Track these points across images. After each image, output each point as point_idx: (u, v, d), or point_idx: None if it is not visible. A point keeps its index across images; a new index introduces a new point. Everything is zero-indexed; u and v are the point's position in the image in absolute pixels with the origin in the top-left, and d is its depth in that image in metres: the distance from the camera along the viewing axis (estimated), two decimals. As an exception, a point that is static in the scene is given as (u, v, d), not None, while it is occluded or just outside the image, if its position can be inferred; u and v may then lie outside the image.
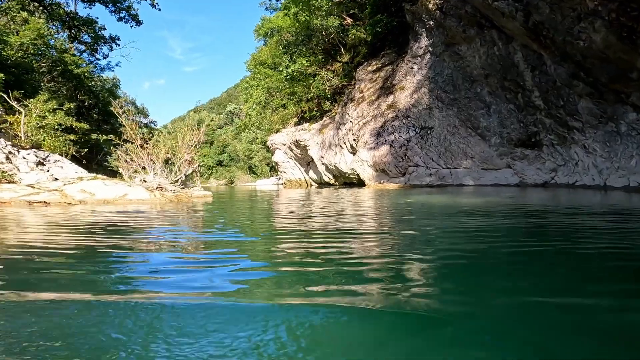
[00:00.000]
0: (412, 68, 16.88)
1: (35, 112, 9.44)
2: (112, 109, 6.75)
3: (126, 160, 6.71)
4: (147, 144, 6.72)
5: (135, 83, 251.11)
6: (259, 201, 7.21)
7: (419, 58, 16.58)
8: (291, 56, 23.07)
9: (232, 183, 58.70)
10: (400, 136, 14.51)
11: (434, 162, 13.05)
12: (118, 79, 64.74)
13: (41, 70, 16.04)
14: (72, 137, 10.11)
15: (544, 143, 11.31)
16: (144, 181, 6.23)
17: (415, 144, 13.93)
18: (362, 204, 5.38)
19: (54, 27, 25.80)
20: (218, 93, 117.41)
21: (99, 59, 30.44)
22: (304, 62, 21.64)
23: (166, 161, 7.48)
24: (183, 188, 6.84)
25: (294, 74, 21.82)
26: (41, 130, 8.88)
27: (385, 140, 14.83)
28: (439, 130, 14.02)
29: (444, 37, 15.06)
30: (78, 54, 28.17)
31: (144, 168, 7.14)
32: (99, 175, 6.03)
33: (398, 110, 15.72)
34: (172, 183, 6.60)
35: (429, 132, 14.19)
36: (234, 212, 4.70)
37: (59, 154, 8.61)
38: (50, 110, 10.60)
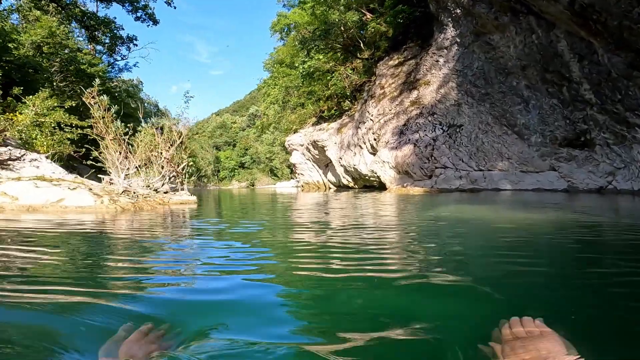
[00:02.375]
0: (437, 61, 15.55)
1: (33, 110, 8.75)
2: (84, 98, 5.88)
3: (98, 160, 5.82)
4: (123, 140, 5.78)
5: (163, 87, 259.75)
6: (260, 207, 6.18)
7: (445, 50, 15.26)
8: (308, 52, 22.04)
9: (252, 185, 58.47)
10: (426, 135, 13.19)
11: (465, 164, 11.66)
12: (141, 81, 65.80)
13: (53, 69, 15.65)
14: (68, 135, 9.41)
15: (596, 142, 9.75)
16: (110, 183, 5.31)
17: (442, 143, 12.57)
18: (381, 217, 4.22)
19: (76, 30, 25.91)
20: (241, 96, 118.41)
21: (117, 60, 30.55)
22: (321, 57, 20.55)
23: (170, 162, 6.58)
24: (166, 192, 5.87)
25: (311, 70, 20.75)
26: (37, 128, 8.16)
27: (409, 140, 13.53)
28: (469, 128, 12.62)
29: (473, 26, 13.71)
30: (98, 55, 28.24)
31: (139, 167, 6.25)
32: (46, 175, 5.14)
33: (423, 107, 14.41)
34: (147, 186, 5.63)
35: (457, 130, 12.81)
36: (195, 231, 3.37)
37: (53, 154, 7.86)
38: (50, 108, 9.97)
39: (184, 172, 6.35)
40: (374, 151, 16.15)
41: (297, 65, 22.63)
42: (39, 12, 16.53)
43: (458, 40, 14.62)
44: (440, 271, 1.66)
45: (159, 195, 5.51)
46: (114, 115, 5.85)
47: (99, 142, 5.83)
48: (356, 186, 20.17)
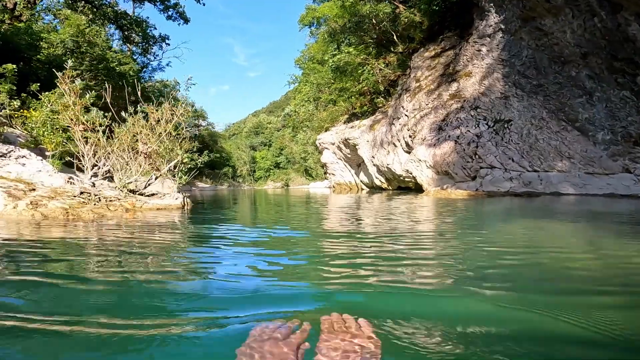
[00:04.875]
0: (479, 50, 14.14)
1: (48, 107, 8.47)
2: (57, 82, 5.31)
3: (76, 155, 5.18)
4: (97, 131, 5.11)
5: (203, 89, 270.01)
6: (270, 215, 5.36)
7: (488, 38, 13.83)
8: (338, 45, 21.06)
9: (287, 185, 58.47)
10: (468, 131, 11.85)
11: (515, 163, 10.23)
12: (178, 82, 67.64)
13: (82, 68, 15.78)
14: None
15: (683, 138, 8.11)
16: (71, 182, 4.63)
17: (488, 140, 11.20)
18: (417, 238, 3.24)
19: (115, 33, 26.60)
20: (277, 96, 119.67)
21: (150, 60, 31.13)
22: (352, 50, 19.52)
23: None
24: (152, 195, 5.13)
25: (341, 63, 19.75)
26: (47, 125, 7.84)
27: (449, 136, 12.24)
28: (519, 123, 11.17)
29: (520, 11, 12.30)
30: (135, 57, 28.87)
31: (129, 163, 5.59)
32: (3, 176, 4.55)
33: (464, 100, 13.06)
34: (123, 187, 4.91)
35: (505, 125, 11.38)
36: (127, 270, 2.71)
37: (61, 152, 7.48)
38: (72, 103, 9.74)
39: (176, 170, 5.60)
40: (409, 149, 14.94)
41: (326, 59, 21.71)
42: (69, 11, 16.75)
43: (503, 26, 13.23)
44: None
45: (130, 199, 4.76)
46: (90, 103, 5.26)
47: (71, 134, 5.25)
48: (390, 187, 18.96)
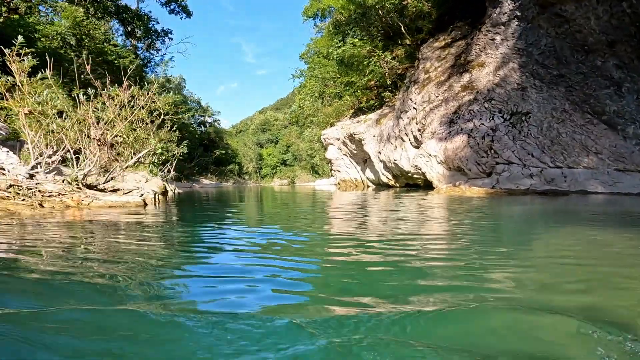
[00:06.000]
0: (493, 40, 13.31)
1: (34, 98, 7.84)
2: (5, 59, 4.64)
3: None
4: (46, 115, 4.42)
5: (212, 87, 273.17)
6: (255, 214, 4.65)
7: (502, 27, 13.02)
8: (343, 37, 20.22)
9: (293, 183, 58.07)
10: (482, 124, 11.03)
11: (535, 159, 9.40)
12: (183, 79, 67.10)
13: (80, 61, 15.16)
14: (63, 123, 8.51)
15: None
16: (2, 173, 3.95)
17: (504, 133, 10.37)
18: (430, 244, 2.53)
19: (119, 29, 26.08)
20: (285, 94, 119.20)
21: (153, 55, 30.55)
22: (357, 41, 18.68)
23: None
24: (114, 190, 4.42)
25: (345, 55, 18.92)
26: (28, 116, 7.21)
27: (461, 129, 11.43)
28: (538, 116, 10.33)
29: (538, -3, 11.52)
30: (139, 52, 28.33)
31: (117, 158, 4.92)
32: None
33: (477, 92, 12.24)
34: (74, 179, 4.21)
35: (523, 118, 10.55)
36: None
37: (46, 144, 6.85)
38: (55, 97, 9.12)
39: (148, 162, 4.89)
40: (417, 144, 14.14)
41: (331, 51, 20.89)
42: (66, 3, 16.14)
43: (518, 13, 12.42)
44: None
45: (78, 195, 4.04)
46: (47, 84, 4.60)
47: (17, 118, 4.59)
48: (397, 184, 18.15)
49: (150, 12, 24.72)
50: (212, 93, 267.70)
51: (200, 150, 55.99)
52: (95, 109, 4.65)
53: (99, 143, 4.33)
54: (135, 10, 22.49)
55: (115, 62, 17.55)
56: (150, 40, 26.90)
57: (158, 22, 25.42)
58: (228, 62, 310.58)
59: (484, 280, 1.61)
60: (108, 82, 4.86)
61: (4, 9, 14.88)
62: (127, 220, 3.61)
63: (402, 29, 19.76)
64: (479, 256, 2.09)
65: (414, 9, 18.63)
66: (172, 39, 26.99)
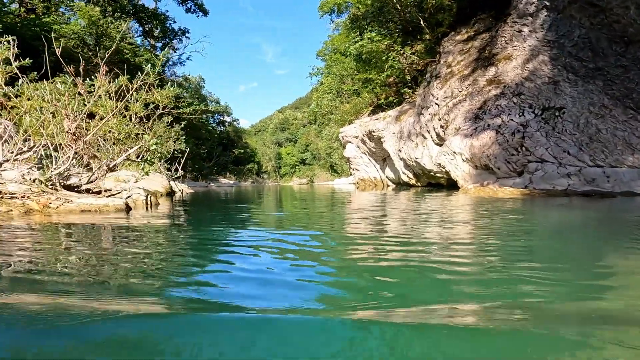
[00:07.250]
0: (520, 31, 12.64)
1: (41, 96, 7.77)
2: None
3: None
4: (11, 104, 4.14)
5: (232, 86, 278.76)
6: (254, 218, 4.30)
7: (530, 17, 12.34)
8: (360, 33, 19.72)
9: (312, 182, 57.96)
10: (511, 120, 10.39)
11: (572, 157, 8.72)
12: (202, 79, 67.79)
13: (96, 60, 15.25)
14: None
15: None
16: None
17: (536, 130, 9.71)
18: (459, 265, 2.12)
19: (138, 30, 26.38)
20: (303, 93, 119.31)
21: (171, 55, 30.77)
22: (374, 35, 18.16)
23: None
24: (99, 192, 4.11)
25: (363, 50, 18.43)
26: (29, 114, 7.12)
27: (488, 125, 10.81)
28: (574, 111, 9.62)
29: (569, -16, 10.82)
30: (157, 51, 28.62)
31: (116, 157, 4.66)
32: None
33: (504, 86, 11.59)
34: (48, 179, 3.91)
35: (556, 114, 9.86)
36: None
37: (24, 140, 6.74)
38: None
39: (140, 159, 4.57)
40: (440, 141, 13.55)
41: (348, 47, 20.42)
42: (82, 2, 16.29)
43: (547, 3, 11.75)
44: None
45: (46, 197, 3.72)
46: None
47: None
48: (418, 183, 17.55)
49: (167, 11, 24.81)
50: (233, 93, 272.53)
51: (219, 150, 56.53)
52: (83, 101, 4.39)
53: (73, 137, 4.04)
54: (153, 9, 22.65)
55: (132, 60, 17.62)
56: (168, 40, 27.10)
57: (175, 22, 25.49)
58: (248, 62, 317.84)
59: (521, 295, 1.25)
60: (103, 71, 4.59)
61: (22, 9, 15.09)
62: (71, 231, 3.28)
63: (422, 23, 19.11)
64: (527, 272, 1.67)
65: (434, 2, 17.99)
66: (189, 37, 27.06)
